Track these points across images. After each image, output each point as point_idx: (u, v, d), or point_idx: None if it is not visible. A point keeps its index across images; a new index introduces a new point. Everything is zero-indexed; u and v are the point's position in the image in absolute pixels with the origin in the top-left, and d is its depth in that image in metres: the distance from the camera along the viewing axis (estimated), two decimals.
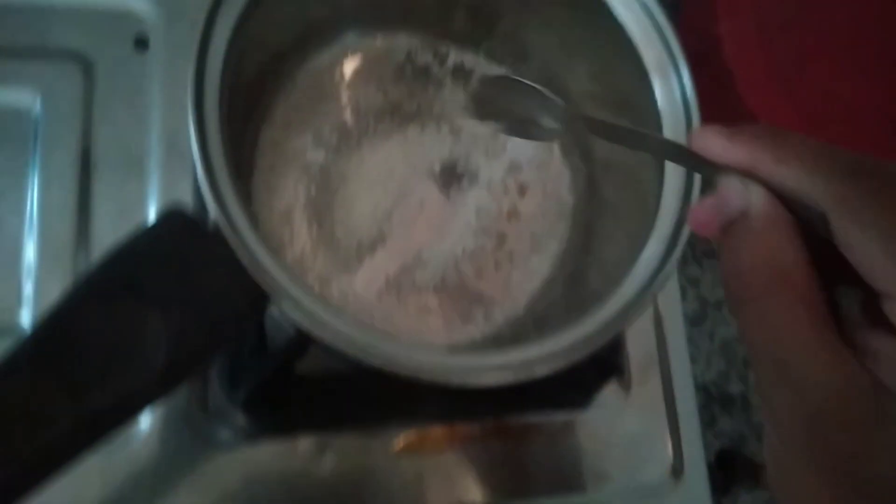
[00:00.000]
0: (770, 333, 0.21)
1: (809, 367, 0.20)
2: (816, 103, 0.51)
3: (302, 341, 0.35)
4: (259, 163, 0.43)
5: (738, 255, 0.22)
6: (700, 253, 0.57)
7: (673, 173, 0.37)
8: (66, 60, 0.44)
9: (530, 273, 0.44)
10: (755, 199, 0.22)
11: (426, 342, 0.41)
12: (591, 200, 0.45)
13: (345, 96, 0.45)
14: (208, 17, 0.33)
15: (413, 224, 0.43)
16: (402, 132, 0.45)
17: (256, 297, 0.28)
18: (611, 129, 0.32)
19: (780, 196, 0.22)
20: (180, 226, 0.28)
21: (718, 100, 0.50)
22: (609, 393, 0.46)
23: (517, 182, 0.46)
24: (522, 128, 0.37)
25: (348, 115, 0.45)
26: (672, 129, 0.37)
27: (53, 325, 0.26)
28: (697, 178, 0.37)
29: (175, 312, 0.26)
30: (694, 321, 0.58)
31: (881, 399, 0.20)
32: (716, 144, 0.24)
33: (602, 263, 0.42)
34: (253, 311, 0.29)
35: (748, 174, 0.23)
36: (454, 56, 0.47)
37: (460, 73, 0.47)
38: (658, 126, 0.37)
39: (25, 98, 0.43)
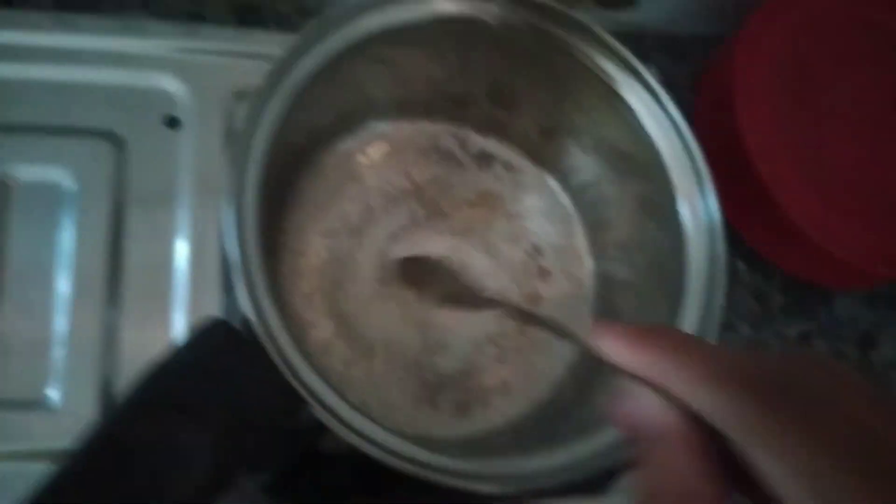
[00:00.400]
0: None
1: None
2: (833, 182, 0.50)
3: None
4: (287, 245, 0.43)
5: (651, 476, 0.22)
6: (720, 327, 0.56)
7: (697, 257, 0.37)
8: (98, 138, 0.45)
9: (553, 358, 0.45)
10: (670, 420, 0.22)
11: (448, 440, 0.42)
12: (613, 284, 0.46)
13: (371, 180, 0.46)
14: (250, 119, 0.34)
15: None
16: (426, 216, 0.46)
17: (295, 403, 0.29)
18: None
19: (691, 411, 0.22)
20: (221, 336, 0.29)
21: (728, 159, 0.50)
22: None
23: (539, 266, 0.47)
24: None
25: (373, 199, 0.46)
26: (697, 251, 0.38)
27: (101, 443, 0.26)
28: (723, 268, 0.37)
29: (219, 425, 0.27)
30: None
31: None
32: (619, 348, 0.24)
33: None
34: (291, 416, 0.30)
35: (654, 386, 0.23)
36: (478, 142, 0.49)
37: (483, 157, 0.49)
38: (682, 243, 0.38)
39: (59, 174, 0.44)
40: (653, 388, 0.23)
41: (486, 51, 0.43)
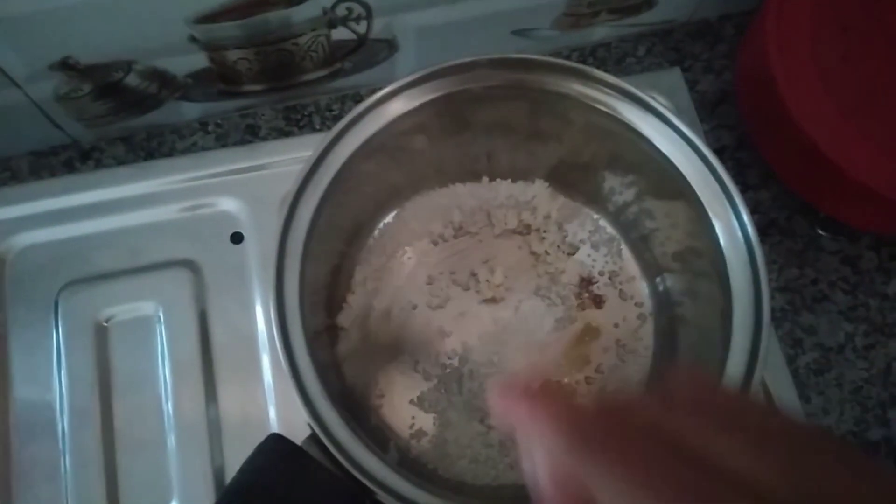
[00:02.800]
0: None
1: None
2: (889, 133, 0.48)
3: None
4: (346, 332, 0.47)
5: None
6: (811, 300, 0.55)
7: (740, 303, 0.37)
8: (177, 267, 0.50)
9: (625, 380, 0.46)
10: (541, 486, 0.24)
11: None
12: (670, 301, 0.46)
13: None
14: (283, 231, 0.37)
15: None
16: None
17: (357, 499, 0.31)
18: None
19: None
20: (277, 450, 0.32)
21: (780, 134, 0.50)
22: None
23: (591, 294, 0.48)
24: None
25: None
26: (737, 267, 0.38)
27: None
28: (764, 275, 0.37)
29: None
30: (818, 371, 0.56)
31: None
32: (495, 408, 0.26)
33: None
34: None
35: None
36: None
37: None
38: (723, 263, 0.39)
39: (148, 307, 0.50)
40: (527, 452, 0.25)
41: (483, 112, 0.45)
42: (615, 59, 0.62)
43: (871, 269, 0.55)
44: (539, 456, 0.24)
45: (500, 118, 0.46)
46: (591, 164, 0.47)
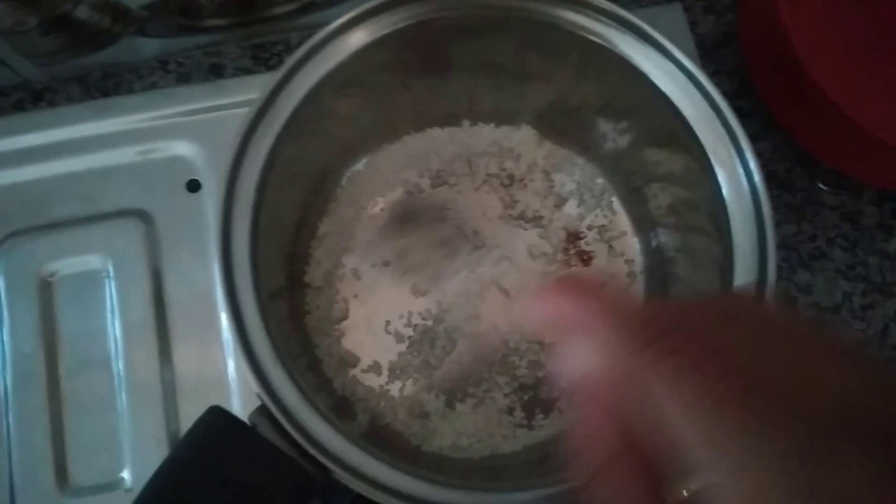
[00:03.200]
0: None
1: None
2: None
3: None
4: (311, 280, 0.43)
5: (573, 433, 0.23)
6: (808, 257, 0.52)
7: (742, 260, 0.34)
8: (128, 217, 0.46)
9: None
10: (586, 374, 0.22)
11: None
12: (663, 257, 0.43)
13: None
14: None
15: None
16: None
17: (304, 479, 0.28)
18: None
19: None
20: (217, 424, 0.29)
21: (785, 80, 0.48)
22: None
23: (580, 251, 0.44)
24: None
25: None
26: (740, 219, 0.35)
27: None
28: (772, 228, 0.34)
29: None
30: None
31: None
32: (533, 311, 0.24)
33: None
34: (302, 496, 0.29)
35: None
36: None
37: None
38: (725, 214, 0.35)
39: (96, 260, 0.46)
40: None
41: (462, 46, 0.41)
42: None
43: (872, 225, 0.53)
44: (587, 359, 0.22)
45: (480, 53, 0.42)
46: (583, 107, 0.44)
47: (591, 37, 0.38)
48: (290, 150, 0.36)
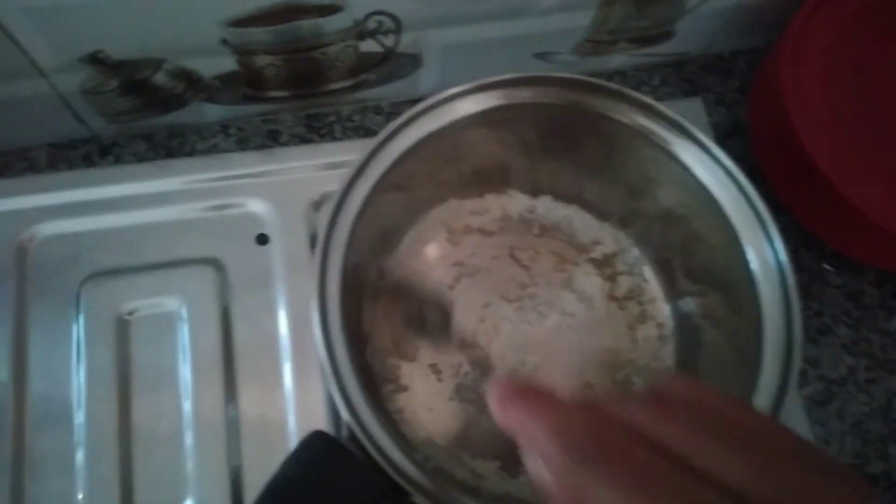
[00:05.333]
0: None
1: None
2: None
3: None
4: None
5: None
6: (815, 332, 0.56)
7: (769, 296, 0.38)
8: (202, 265, 0.50)
9: None
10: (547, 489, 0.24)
11: None
12: (692, 324, 0.47)
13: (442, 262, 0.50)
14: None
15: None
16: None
17: (398, 498, 0.32)
18: None
19: None
20: (322, 447, 0.32)
21: (792, 167, 0.51)
22: None
23: None
24: None
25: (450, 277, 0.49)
26: (769, 290, 0.40)
27: None
28: (797, 304, 0.38)
29: None
30: (820, 402, 0.57)
31: None
32: (497, 410, 0.26)
33: None
34: None
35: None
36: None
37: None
38: (754, 290, 0.40)
39: (171, 302, 0.49)
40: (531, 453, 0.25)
41: (530, 129, 0.46)
42: (631, 86, 0.62)
43: (874, 305, 0.57)
44: (538, 461, 0.24)
45: (541, 136, 0.47)
46: (626, 188, 0.49)
47: (644, 132, 0.43)
48: (373, 209, 0.41)
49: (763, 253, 0.40)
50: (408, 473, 0.33)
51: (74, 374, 0.47)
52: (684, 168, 0.42)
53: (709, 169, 0.42)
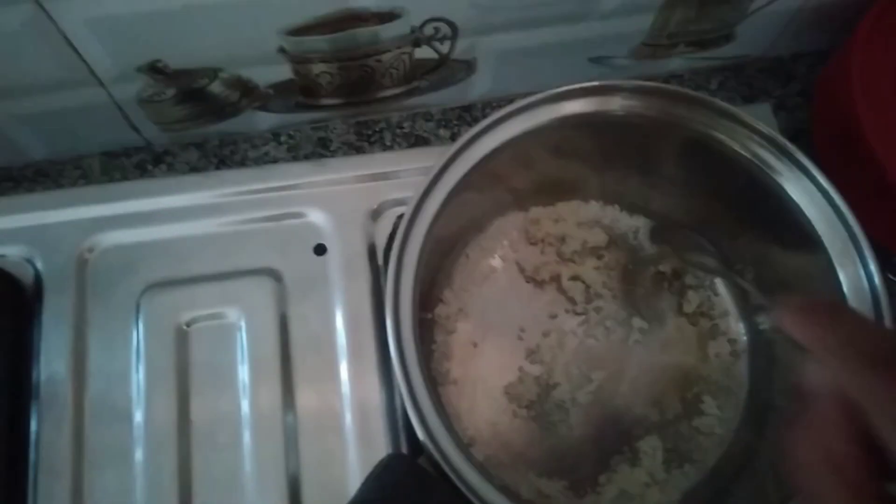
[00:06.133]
0: None
1: None
2: None
3: None
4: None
5: (799, 450, 0.24)
6: None
7: None
8: (260, 275, 0.50)
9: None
10: (823, 390, 0.24)
11: None
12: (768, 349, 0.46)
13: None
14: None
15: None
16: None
17: None
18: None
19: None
20: (401, 470, 0.32)
21: (859, 174, 0.49)
22: None
23: None
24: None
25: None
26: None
27: None
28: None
29: None
30: None
31: None
32: (792, 324, 0.27)
33: None
34: None
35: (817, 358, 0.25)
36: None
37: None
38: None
39: (231, 313, 0.49)
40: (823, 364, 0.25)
41: (618, 140, 0.45)
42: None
43: None
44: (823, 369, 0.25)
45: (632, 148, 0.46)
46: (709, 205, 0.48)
47: (746, 153, 0.43)
48: (446, 214, 0.40)
49: (857, 277, 0.39)
50: (482, 493, 0.33)
51: (134, 373, 0.47)
52: (781, 190, 0.41)
53: (806, 190, 0.41)
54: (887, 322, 0.38)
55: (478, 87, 0.58)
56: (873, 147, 0.48)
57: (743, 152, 0.42)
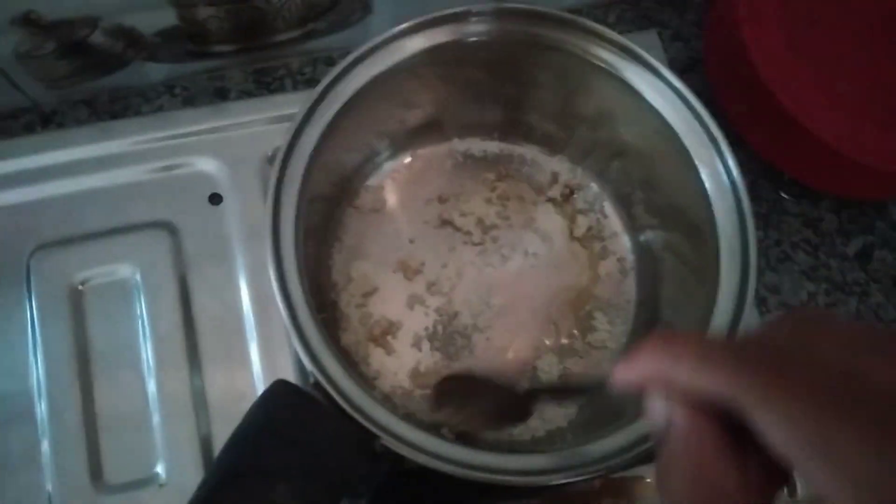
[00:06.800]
0: None
1: None
2: (855, 97, 0.49)
3: None
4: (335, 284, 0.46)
5: (669, 478, 0.24)
6: (775, 260, 0.57)
7: (724, 217, 0.39)
8: (154, 229, 0.49)
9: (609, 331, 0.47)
10: (675, 418, 0.24)
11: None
12: (652, 254, 0.47)
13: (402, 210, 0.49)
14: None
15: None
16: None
17: (363, 441, 0.31)
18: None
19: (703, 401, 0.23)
20: (286, 395, 0.32)
21: (749, 98, 0.51)
22: None
23: None
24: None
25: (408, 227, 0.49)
26: (723, 210, 0.40)
27: None
28: (751, 222, 0.39)
29: (297, 477, 0.30)
30: None
31: None
32: (622, 375, 0.26)
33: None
34: (363, 453, 0.32)
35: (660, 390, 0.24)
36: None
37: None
38: (710, 209, 0.40)
39: (124, 269, 0.48)
40: (660, 394, 0.24)
41: (487, 65, 0.45)
42: None
43: (832, 230, 0.57)
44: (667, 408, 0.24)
45: (496, 73, 0.46)
46: (580, 119, 0.48)
47: (595, 61, 0.43)
48: (326, 156, 0.40)
49: (716, 171, 0.40)
50: (375, 418, 0.33)
51: (32, 364, 0.46)
52: (637, 95, 0.42)
53: (661, 93, 0.42)
54: (747, 218, 0.39)
55: (377, 28, 0.57)
56: (760, 71, 0.49)
57: (595, 61, 0.43)
